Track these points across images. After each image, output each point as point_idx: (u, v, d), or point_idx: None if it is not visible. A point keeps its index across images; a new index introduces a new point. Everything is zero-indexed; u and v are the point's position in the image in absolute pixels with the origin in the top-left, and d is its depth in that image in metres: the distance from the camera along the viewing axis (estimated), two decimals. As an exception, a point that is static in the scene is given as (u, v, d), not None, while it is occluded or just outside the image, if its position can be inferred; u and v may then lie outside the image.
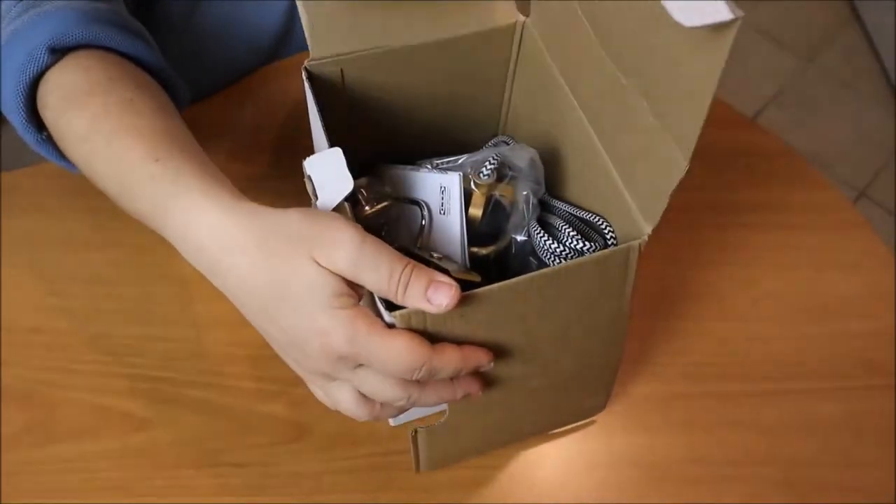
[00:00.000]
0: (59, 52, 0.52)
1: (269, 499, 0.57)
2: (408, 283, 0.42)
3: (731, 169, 0.79)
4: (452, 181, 0.55)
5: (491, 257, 0.57)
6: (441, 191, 0.55)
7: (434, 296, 0.41)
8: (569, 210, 0.58)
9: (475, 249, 0.55)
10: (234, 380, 0.62)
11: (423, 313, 0.42)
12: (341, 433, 0.60)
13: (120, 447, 0.59)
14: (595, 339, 0.51)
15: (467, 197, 0.56)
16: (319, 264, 0.42)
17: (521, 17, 0.58)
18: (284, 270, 0.42)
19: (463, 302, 0.43)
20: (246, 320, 0.63)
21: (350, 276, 0.42)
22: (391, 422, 0.60)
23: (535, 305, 0.45)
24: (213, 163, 0.50)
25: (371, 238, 0.42)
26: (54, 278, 0.66)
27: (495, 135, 0.69)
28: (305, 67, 0.54)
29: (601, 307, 0.48)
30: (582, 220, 0.56)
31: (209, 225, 0.45)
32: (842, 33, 2.02)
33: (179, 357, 0.63)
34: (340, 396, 0.46)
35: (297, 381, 0.61)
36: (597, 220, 0.55)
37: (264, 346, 0.62)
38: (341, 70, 0.56)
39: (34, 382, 0.61)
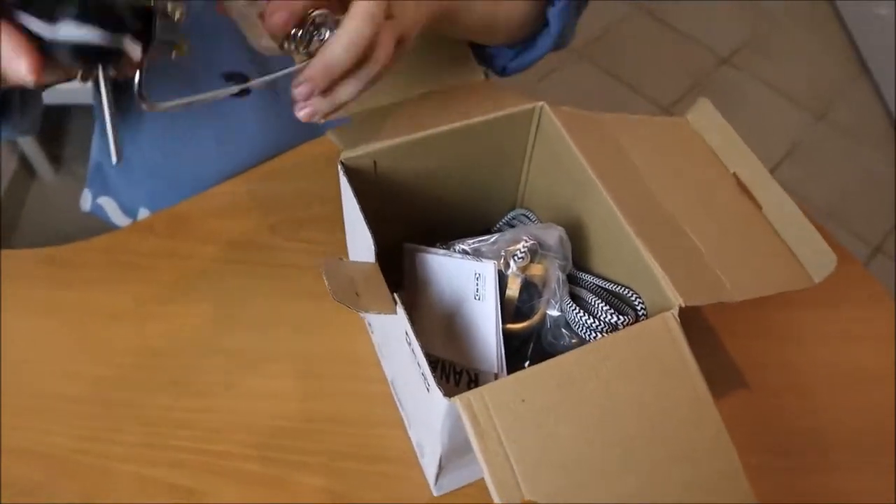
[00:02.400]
0: None
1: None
2: None
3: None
4: (487, 269, 0.58)
5: (525, 333, 0.59)
6: (476, 277, 0.58)
7: None
8: (596, 282, 0.60)
9: (510, 326, 0.58)
10: (278, 452, 0.64)
11: (482, 398, 0.45)
12: (385, 505, 0.62)
13: (170, 519, 0.61)
14: (685, 431, 0.49)
15: (501, 279, 0.58)
16: None
17: (541, 102, 0.62)
18: None
19: (519, 383, 0.45)
20: (295, 394, 0.67)
21: None
22: (434, 492, 0.62)
23: (596, 386, 0.47)
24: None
25: None
26: (103, 349, 0.69)
27: (513, 207, 0.72)
28: (341, 161, 0.58)
29: (672, 389, 0.49)
30: (610, 291, 0.59)
31: None
32: (852, 88, 2.06)
33: (226, 429, 0.65)
34: None
35: (340, 455, 0.64)
36: (625, 291, 0.57)
37: (308, 419, 0.66)
38: (374, 161, 0.60)
39: (82, 453, 0.64)
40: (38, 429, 0.65)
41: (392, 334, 0.60)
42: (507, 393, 0.45)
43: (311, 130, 0.75)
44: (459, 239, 0.64)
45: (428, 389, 0.49)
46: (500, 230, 0.71)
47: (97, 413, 0.66)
